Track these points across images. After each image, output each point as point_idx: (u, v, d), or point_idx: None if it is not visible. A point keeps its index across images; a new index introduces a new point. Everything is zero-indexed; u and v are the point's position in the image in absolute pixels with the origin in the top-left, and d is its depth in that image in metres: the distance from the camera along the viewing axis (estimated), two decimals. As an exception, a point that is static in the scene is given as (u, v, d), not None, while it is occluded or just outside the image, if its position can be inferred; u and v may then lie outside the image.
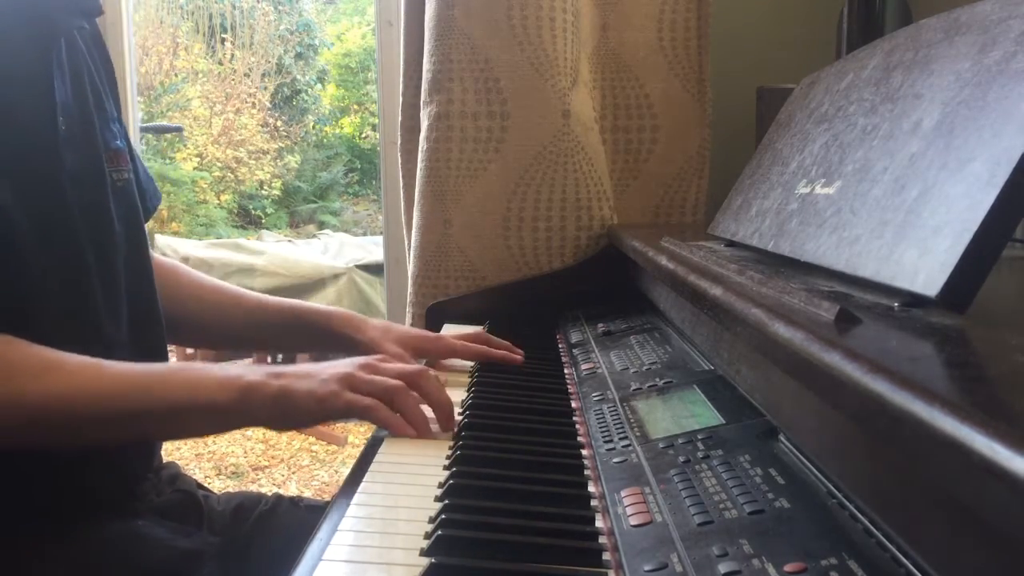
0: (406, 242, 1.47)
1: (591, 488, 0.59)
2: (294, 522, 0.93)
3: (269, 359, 3.30)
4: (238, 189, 7.97)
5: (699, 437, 0.60)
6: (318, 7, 9.08)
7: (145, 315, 0.89)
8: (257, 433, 3.55)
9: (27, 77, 0.76)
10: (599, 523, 0.54)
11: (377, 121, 3.36)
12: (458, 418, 0.75)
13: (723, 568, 0.42)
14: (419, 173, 1.33)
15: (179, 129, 7.06)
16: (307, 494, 2.88)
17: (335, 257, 4.31)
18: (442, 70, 1.28)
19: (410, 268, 1.38)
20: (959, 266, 0.42)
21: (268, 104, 8.26)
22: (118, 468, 0.85)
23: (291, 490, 3.00)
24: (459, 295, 1.31)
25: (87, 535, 0.77)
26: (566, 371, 0.94)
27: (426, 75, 1.30)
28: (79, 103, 0.82)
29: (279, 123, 8.28)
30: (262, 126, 8.15)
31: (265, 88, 8.19)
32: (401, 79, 1.41)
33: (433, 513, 0.53)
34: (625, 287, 1.21)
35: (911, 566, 0.38)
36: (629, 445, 0.64)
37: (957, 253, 0.42)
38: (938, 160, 0.49)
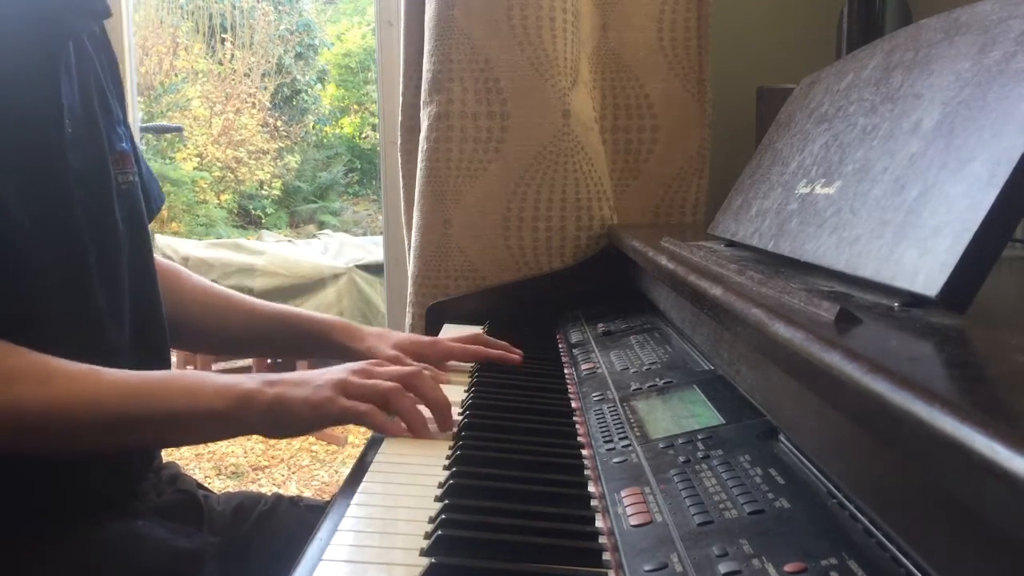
0: (406, 242, 1.47)
1: (591, 488, 0.59)
2: (294, 522, 0.93)
3: (268, 361, 3.30)
4: (238, 189, 7.97)
5: (699, 437, 0.60)
6: (318, 7, 9.08)
7: (148, 318, 0.89)
8: (257, 433, 3.55)
9: (34, 79, 0.76)
10: (599, 523, 0.54)
11: (377, 121, 3.36)
12: (458, 418, 0.75)
13: (723, 568, 0.42)
14: (419, 173, 1.33)
15: (179, 129, 7.06)
16: (307, 494, 2.88)
17: (335, 257, 4.31)
18: (442, 70, 1.28)
19: (410, 268, 1.38)
20: (959, 266, 0.42)
21: (268, 104, 8.26)
22: (118, 468, 0.85)
23: (291, 490, 3.00)
24: (459, 295, 1.31)
25: (87, 535, 0.77)
26: (566, 371, 0.94)
27: (426, 75, 1.30)
28: (85, 105, 0.82)
29: (279, 123, 8.28)
30: (262, 126, 8.15)
31: (265, 88, 8.19)
32: (401, 79, 1.41)
33: (433, 513, 0.53)
34: (625, 287, 1.21)
35: (911, 566, 0.38)
36: (629, 445, 0.64)
37: (957, 253, 0.42)
38: (938, 160, 0.49)
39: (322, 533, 0.53)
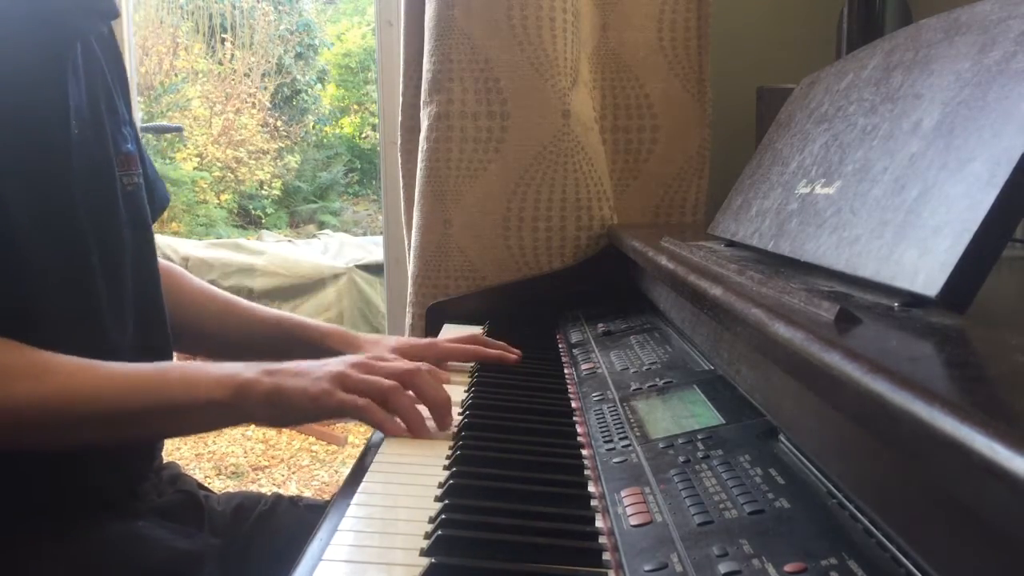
0: (406, 242, 1.47)
1: (591, 488, 0.59)
2: (294, 522, 0.93)
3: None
4: (238, 189, 7.97)
5: (699, 437, 0.60)
6: (318, 7, 9.07)
7: (151, 319, 0.89)
8: (257, 433, 3.55)
9: (41, 80, 0.76)
10: (599, 523, 0.54)
11: (377, 121, 3.36)
12: (458, 418, 0.74)
13: (723, 568, 0.42)
14: (419, 173, 1.33)
15: (179, 129, 7.06)
16: (307, 494, 2.88)
17: (335, 257, 4.31)
18: (442, 70, 1.28)
19: (410, 268, 1.38)
20: (959, 266, 0.42)
21: (268, 104, 8.25)
22: (119, 468, 0.85)
23: (291, 490, 3.00)
24: (459, 295, 1.31)
25: (88, 535, 0.77)
26: (566, 371, 0.94)
27: (426, 75, 1.30)
28: (92, 106, 0.82)
29: (279, 123, 8.27)
30: (262, 126, 8.14)
31: (265, 88, 8.18)
32: (401, 79, 1.41)
33: (433, 513, 0.53)
34: (625, 287, 1.21)
35: (911, 566, 0.38)
36: (629, 445, 0.64)
37: (957, 253, 0.42)
38: (938, 160, 0.49)
39: (322, 533, 0.53)
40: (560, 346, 1.06)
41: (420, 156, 1.32)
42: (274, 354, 0.80)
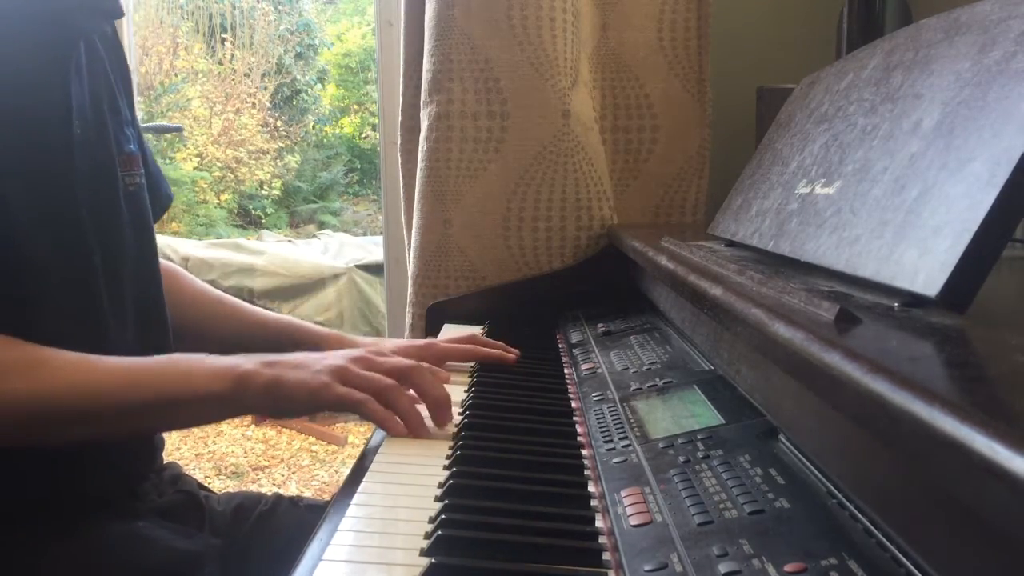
0: (406, 242, 1.47)
1: (591, 488, 0.59)
2: (294, 522, 0.93)
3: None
4: (238, 189, 7.96)
5: (699, 437, 0.60)
6: (318, 7, 9.07)
7: (152, 319, 0.89)
8: (257, 433, 3.55)
9: (44, 80, 0.76)
10: (599, 523, 0.54)
11: (377, 121, 3.36)
12: (458, 418, 0.74)
13: (723, 568, 0.42)
14: (419, 173, 1.33)
15: (179, 129, 7.06)
16: (307, 494, 2.88)
17: (335, 257, 4.31)
18: (442, 70, 1.28)
19: (410, 268, 1.38)
20: (959, 266, 0.42)
21: (268, 104, 8.25)
22: (120, 468, 0.85)
23: (291, 490, 3.00)
24: (459, 295, 1.31)
25: (88, 535, 0.77)
26: (566, 371, 0.94)
27: (426, 75, 1.30)
28: (95, 106, 0.82)
29: (279, 123, 8.27)
30: (262, 126, 8.14)
31: (265, 88, 8.18)
32: (401, 79, 1.41)
33: (433, 513, 0.53)
34: (625, 287, 1.21)
35: (911, 566, 0.38)
36: (629, 445, 0.64)
37: (957, 253, 0.42)
38: (938, 160, 0.49)
39: (322, 533, 0.53)
40: (560, 346, 1.06)
41: (420, 156, 1.32)
42: None
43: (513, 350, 0.95)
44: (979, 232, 0.41)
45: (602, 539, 0.51)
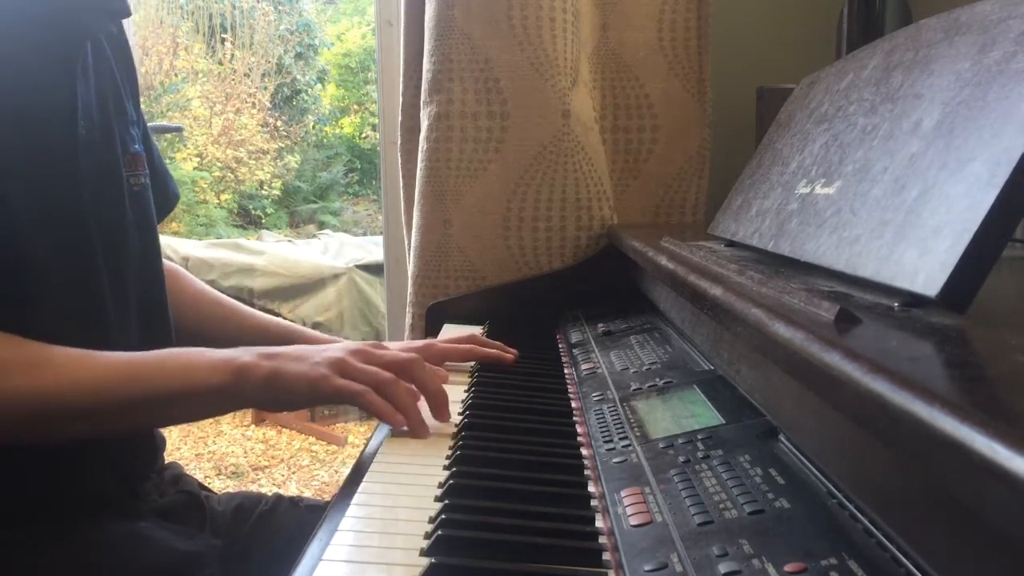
0: (406, 242, 1.47)
1: (591, 488, 0.59)
2: (294, 522, 0.93)
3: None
4: (238, 189, 7.96)
5: (699, 437, 0.60)
6: (318, 7, 9.07)
7: (154, 320, 0.88)
8: (257, 433, 3.55)
9: (50, 80, 0.76)
10: (599, 523, 0.54)
11: (377, 121, 3.36)
12: (458, 418, 0.74)
13: (723, 568, 0.42)
14: (419, 173, 1.33)
15: (179, 129, 7.06)
16: (307, 494, 2.88)
17: (335, 257, 4.31)
18: (442, 70, 1.28)
19: (410, 268, 1.38)
20: (959, 266, 0.42)
21: (268, 104, 8.25)
22: (121, 468, 0.85)
23: (291, 490, 3.00)
24: (459, 295, 1.31)
25: (89, 535, 0.77)
26: (566, 371, 0.94)
27: (426, 75, 1.30)
28: (100, 106, 0.82)
29: (279, 123, 8.27)
30: (262, 126, 8.14)
31: (265, 88, 8.18)
32: (401, 79, 1.41)
33: (433, 513, 0.53)
34: (625, 287, 1.21)
35: (911, 566, 0.38)
36: (629, 445, 0.64)
37: (957, 253, 0.42)
38: (938, 160, 0.49)
39: (322, 533, 0.53)
40: (560, 346, 1.06)
41: (420, 156, 1.32)
42: None
43: (512, 350, 0.95)
44: (979, 232, 0.41)
45: (602, 539, 0.51)
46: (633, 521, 0.51)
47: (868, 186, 0.56)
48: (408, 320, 1.38)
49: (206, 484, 1.01)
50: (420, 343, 0.98)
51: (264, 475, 3.19)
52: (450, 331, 1.19)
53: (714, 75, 1.39)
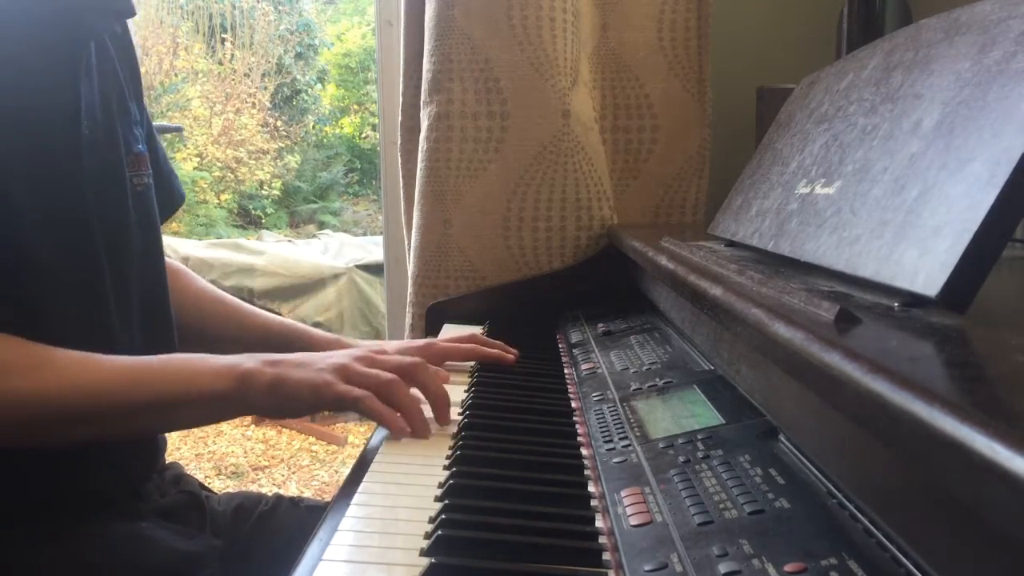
0: (406, 242, 1.47)
1: (591, 488, 0.59)
2: (294, 522, 0.93)
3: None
4: (238, 189, 7.96)
5: (699, 437, 0.60)
6: (318, 7, 9.07)
7: (157, 320, 0.88)
8: (257, 433, 3.55)
9: (54, 80, 0.76)
10: (599, 523, 0.54)
11: (377, 121, 3.36)
12: (458, 418, 0.74)
13: (723, 568, 0.42)
14: (419, 173, 1.33)
15: (179, 129, 7.06)
16: (307, 494, 2.88)
17: (335, 257, 4.31)
18: (442, 70, 1.28)
19: (410, 268, 1.38)
20: (959, 266, 0.42)
21: (268, 104, 8.25)
22: (122, 468, 0.85)
23: (291, 490, 3.00)
24: (459, 295, 1.31)
25: (90, 536, 0.77)
26: (566, 371, 0.94)
27: (426, 75, 1.30)
28: (104, 106, 0.82)
29: (279, 123, 8.27)
30: (262, 126, 8.14)
31: (265, 88, 8.18)
32: (401, 79, 1.41)
33: (433, 513, 0.53)
34: (625, 287, 1.21)
35: (911, 566, 0.38)
36: (629, 445, 0.64)
37: (957, 253, 0.42)
38: (938, 160, 0.49)
39: (322, 533, 0.53)
40: (560, 346, 1.06)
41: (420, 156, 1.32)
42: None
43: (512, 350, 0.95)
44: (979, 232, 0.41)
45: (602, 539, 0.51)
46: (633, 521, 0.51)
47: (868, 186, 0.56)
48: (408, 320, 1.38)
49: (206, 484, 1.01)
50: (421, 342, 0.98)
51: (264, 475, 3.19)
52: (450, 331, 1.19)
53: (714, 75, 1.39)
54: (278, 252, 4.26)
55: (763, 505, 0.47)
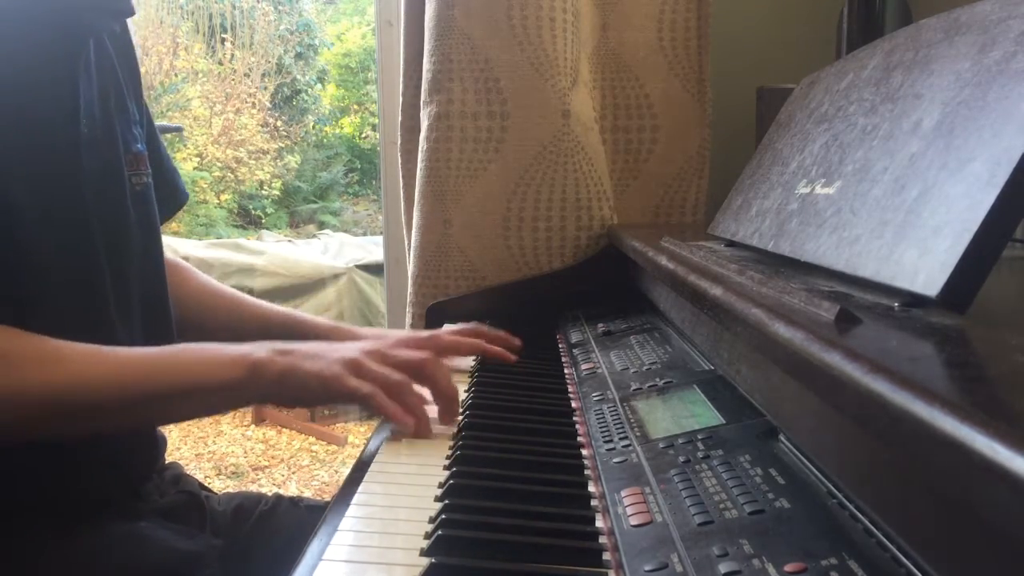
0: (406, 242, 1.47)
1: (591, 488, 0.59)
2: (294, 522, 0.93)
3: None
4: (238, 189, 7.96)
5: (699, 437, 0.60)
6: (318, 7, 9.07)
7: (157, 319, 0.88)
8: (257, 433, 3.55)
9: (53, 78, 0.76)
10: (599, 523, 0.54)
11: (377, 121, 3.36)
12: (458, 418, 0.75)
13: (723, 568, 0.42)
14: (419, 173, 1.33)
15: (179, 129, 7.06)
16: (307, 494, 2.88)
17: (335, 257, 4.31)
18: (442, 70, 1.28)
19: (410, 268, 1.38)
20: (959, 266, 0.42)
21: (268, 104, 8.25)
22: (122, 468, 0.85)
23: (291, 490, 3.00)
24: (459, 295, 1.31)
25: (90, 535, 0.77)
26: (566, 371, 0.94)
27: (426, 75, 1.30)
28: (103, 105, 0.82)
29: (279, 123, 8.27)
30: (262, 126, 8.14)
31: (265, 88, 8.18)
32: (401, 79, 1.41)
33: (433, 513, 0.53)
34: (625, 287, 1.21)
35: (911, 566, 0.38)
36: (629, 445, 0.64)
37: (957, 253, 0.42)
38: (938, 160, 0.49)
39: (322, 533, 0.53)
40: (560, 346, 1.06)
41: (420, 156, 1.32)
42: None
43: (516, 340, 0.95)
44: (979, 232, 0.41)
45: (602, 539, 0.51)
46: (633, 521, 0.51)
47: (868, 186, 0.56)
48: (408, 320, 1.38)
49: (206, 484, 1.01)
50: (425, 334, 0.97)
51: (264, 475, 3.19)
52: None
53: (714, 75, 1.39)
54: (278, 252, 4.26)
55: (763, 505, 0.47)
